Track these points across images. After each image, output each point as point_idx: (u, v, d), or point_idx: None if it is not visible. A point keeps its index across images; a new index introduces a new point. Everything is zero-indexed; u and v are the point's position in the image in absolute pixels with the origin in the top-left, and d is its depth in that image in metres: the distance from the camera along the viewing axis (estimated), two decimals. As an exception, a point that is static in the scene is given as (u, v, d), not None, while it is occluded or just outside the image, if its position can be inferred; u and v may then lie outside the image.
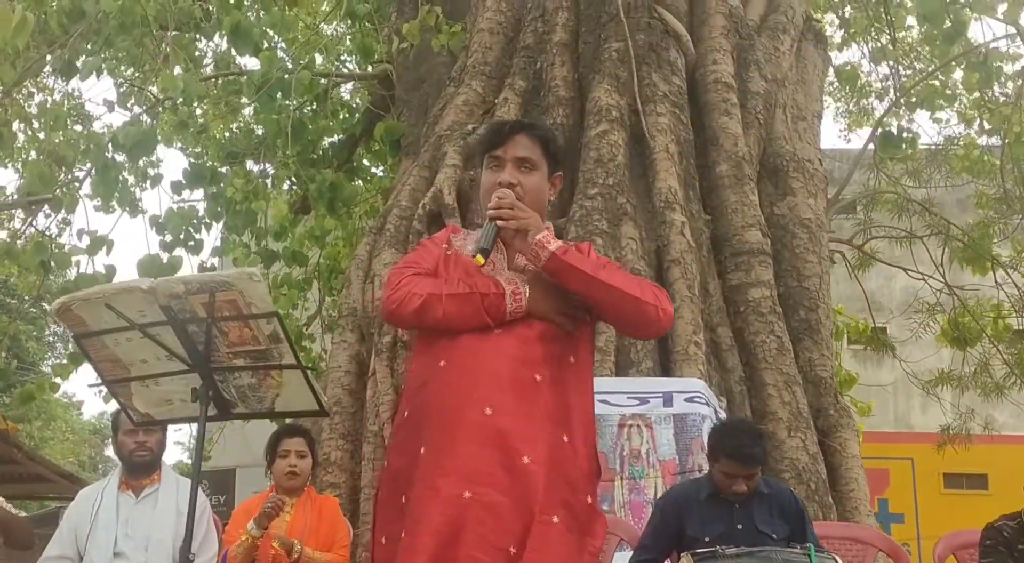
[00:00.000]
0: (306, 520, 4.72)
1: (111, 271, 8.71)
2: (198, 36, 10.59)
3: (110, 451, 33.64)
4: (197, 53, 11.46)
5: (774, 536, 4.24)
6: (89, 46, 9.02)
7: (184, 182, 9.71)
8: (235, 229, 9.97)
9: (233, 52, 10.59)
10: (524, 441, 2.53)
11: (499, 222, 2.61)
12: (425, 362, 2.70)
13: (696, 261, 6.67)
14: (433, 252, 2.82)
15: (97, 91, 37.65)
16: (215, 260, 11.39)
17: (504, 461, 2.50)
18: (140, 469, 4.53)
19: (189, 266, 9.15)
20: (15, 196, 10.55)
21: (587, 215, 6.61)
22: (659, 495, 5.61)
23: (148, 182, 10.28)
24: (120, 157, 8.59)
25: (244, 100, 10.04)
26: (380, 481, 2.83)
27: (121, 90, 11.19)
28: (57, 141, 9.49)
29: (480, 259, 2.60)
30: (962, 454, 10.02)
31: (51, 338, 22.70)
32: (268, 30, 8.79)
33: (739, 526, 4.27)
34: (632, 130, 7.19)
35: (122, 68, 11.64)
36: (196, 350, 2.62)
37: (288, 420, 4.96)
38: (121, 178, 8.97)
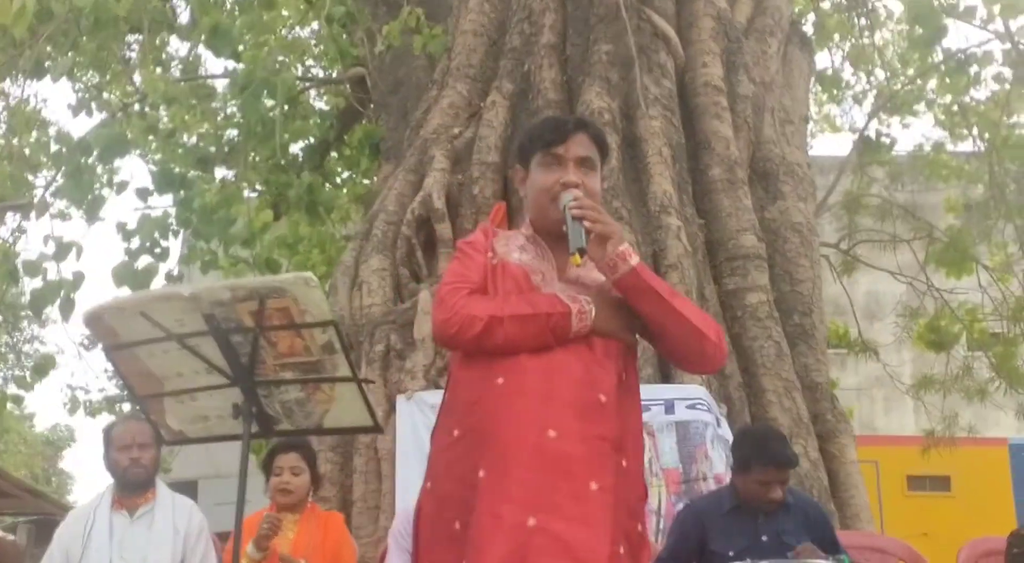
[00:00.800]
0: (310, 537, 4.53)
1: (79, 278, 8.43)
2: (168, 39, 10.33)
3: (64, 464, 33.00)
4: (164, 56, 11.18)
5: (800, 547, 4.13)
6: (50, 49, 8.74)
7: (153, 188, 9.43)
8: (207, 236, 9.68)
9: (201, 56, 10.35)
10: (590, 466, 2.37)
11: (587, 223, 2.45)
12: (476, 377, 2.50)
13: (693, 265, 6.58)
14: (479, 261, 2.61)
15: (54, 96, 36.91)
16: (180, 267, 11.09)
17: (571, 488, 2.34)
18: (134, 487, 4.34)
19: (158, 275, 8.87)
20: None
21: (582, 219, 6.47)
22: (663, 505, 5.53)
23: (115, 188, 9.98)
24: (91, 160, 8.31)
25: (216, 104, 9.79)
26: (420, 504, 2.65)
27: (82, 95, 10.89)
28: (17, 143, 9.18)
29: (577, 259, 2.43)
30: (925, 456, 10.01)
31: (2, 348, 22.03)
32: (245, 33, 8.54)
33: (764, 538, 4.17)
34: (624, 133, 7.07)
35: (81, 73, 11.33)
36: (239, 362, 2.42)
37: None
38: (90, 182, 8.69)
